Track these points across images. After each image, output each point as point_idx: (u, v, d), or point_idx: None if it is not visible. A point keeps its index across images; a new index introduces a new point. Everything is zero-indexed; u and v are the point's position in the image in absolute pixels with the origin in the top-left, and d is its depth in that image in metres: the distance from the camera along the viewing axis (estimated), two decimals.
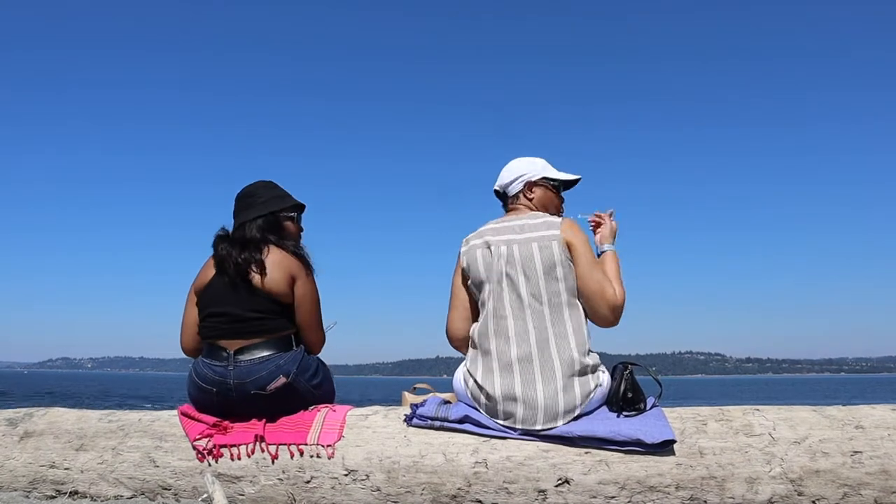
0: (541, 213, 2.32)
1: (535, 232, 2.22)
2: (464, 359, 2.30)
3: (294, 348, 2.35)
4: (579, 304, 2.20)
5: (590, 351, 2.18)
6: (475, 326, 2.25)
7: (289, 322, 2.37)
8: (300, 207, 2.53)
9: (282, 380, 2.25)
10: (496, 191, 2.46)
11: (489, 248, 2.25)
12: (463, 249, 2.33)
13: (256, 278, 2.31)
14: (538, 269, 2.16)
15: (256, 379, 2.24)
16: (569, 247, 2.19)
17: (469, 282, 2.30)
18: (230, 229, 2.48)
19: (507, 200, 2.43)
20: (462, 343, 2.33)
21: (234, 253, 2.33)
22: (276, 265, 2.33)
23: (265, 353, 2.27)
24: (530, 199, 2.38)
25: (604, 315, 2.17)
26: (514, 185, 2.39)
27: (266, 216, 2.43)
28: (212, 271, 2.39)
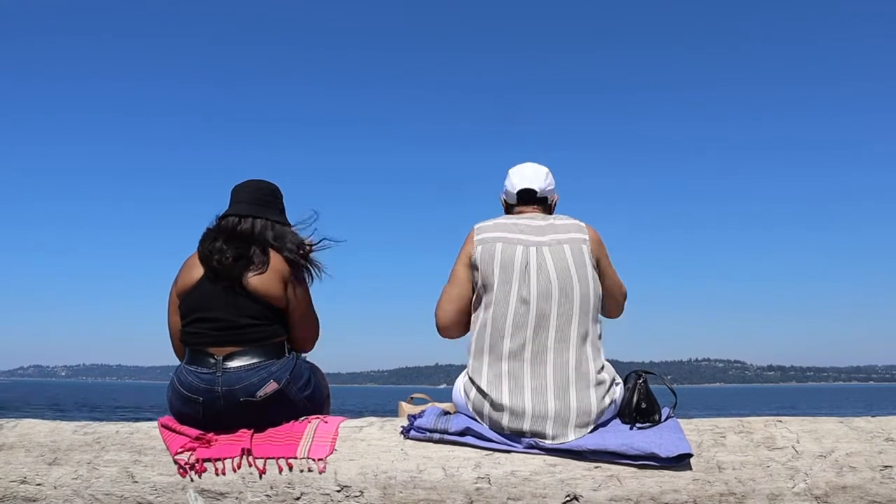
0: (561, 214, 2.38)
1: (566, 234, 2.25)
2: (464, 367, 2.29)
3: (286, 355, 2.36)
4: (600, 314, 2.25)
5: (605, 363, 2.20)
6: (480, 329, 2.20)
7: (282, 328, 2.37)
8: None
9: (273, 385, 2.25)
10: (529, 190, 2.38)
11: (513, 245, 2.22)
12: (477, 238, 2.28)
13: (252, 280, 2.29)
14: (572, 275, 2.18)
15: (246, 386, 2.24)
16: (597, 258, 2.26)
17: (477, 275, 2.25)
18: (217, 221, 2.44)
19: (533, 202, 2.39)
20: (452, 332, 2.33)
21: (230, 251, 2.30)
22: (273, 267, 2.32)
23: (256, 360, 2.27)
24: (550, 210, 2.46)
25: (621, 304, 2.42)
26: (550, 191, 2.43)
27: (285, 225, 2.45)
28: (198, 271, 2.34)
